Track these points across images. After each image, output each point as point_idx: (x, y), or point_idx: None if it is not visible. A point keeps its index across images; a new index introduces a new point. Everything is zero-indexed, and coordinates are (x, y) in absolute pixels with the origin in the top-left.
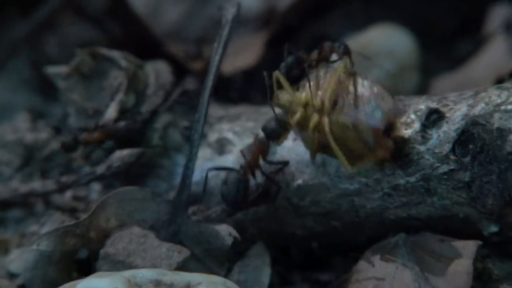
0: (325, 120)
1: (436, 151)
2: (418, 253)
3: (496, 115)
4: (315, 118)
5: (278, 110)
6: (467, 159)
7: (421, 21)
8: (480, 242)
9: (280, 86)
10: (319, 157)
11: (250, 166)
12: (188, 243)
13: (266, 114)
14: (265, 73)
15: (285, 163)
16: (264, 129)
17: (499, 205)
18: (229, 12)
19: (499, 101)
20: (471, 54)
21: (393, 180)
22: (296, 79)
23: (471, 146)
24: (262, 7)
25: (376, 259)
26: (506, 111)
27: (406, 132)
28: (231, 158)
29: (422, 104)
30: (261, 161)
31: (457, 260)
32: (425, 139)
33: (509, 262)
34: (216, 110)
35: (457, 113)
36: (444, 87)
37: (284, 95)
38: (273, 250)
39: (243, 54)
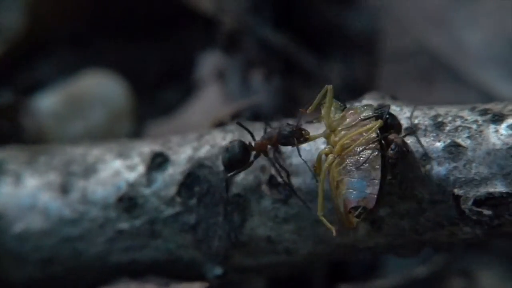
0: (329, 158)
1: (162, 194)
2: None
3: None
4: (326, 149)
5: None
6: (193, 201)
7: (131, 67)
8: (206, 284)
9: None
10: (41, 202)
11: (257, 146)
12: None
13: None
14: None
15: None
16: (278, 131)
17: (225, 247)
18: None
19: (224, 143)
20: (181, 101)
21: (117, 224)
22: None
23: (196, 188)
24: None
25: None
26: None
27: (133, 176)
28: None
29: (146, 147)
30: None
31: None
32: (150, 182)
33: None
34: None
35: (182, 156)
36: (158, 133)
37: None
38: None
39: None
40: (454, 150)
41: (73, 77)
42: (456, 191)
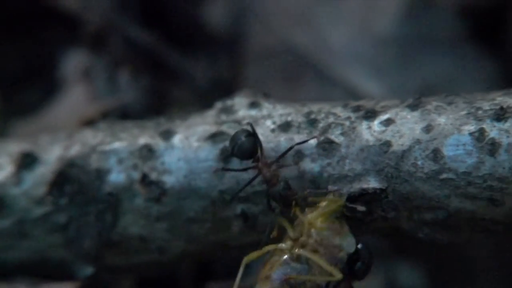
0: (291, 242)
1: (31, 193)
2: None
3: (94, 156)
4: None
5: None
6: (64, 200)
7: None
8: (77, 284)
9: None
10: None
11: (258, 163)
12: None
13: None
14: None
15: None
16: (274, 183)
17: (96, 246)
18: None
19: (95, 142)
20: (43, 100)
21: None
22: None
23: (68, 187)
24: None
25: None
26: (103, 152)
27: (0, 176)
28: None
29: (14, 146)
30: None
31: None
32: (19, 182)
33: None
34: None
35: (52, 155)
36: (23, 133)
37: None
38: None
39: None
40: (327, 146)
41: None
42: (330, 187)
